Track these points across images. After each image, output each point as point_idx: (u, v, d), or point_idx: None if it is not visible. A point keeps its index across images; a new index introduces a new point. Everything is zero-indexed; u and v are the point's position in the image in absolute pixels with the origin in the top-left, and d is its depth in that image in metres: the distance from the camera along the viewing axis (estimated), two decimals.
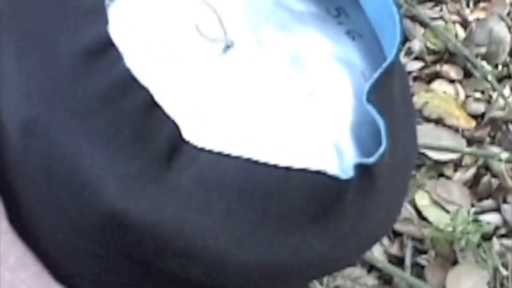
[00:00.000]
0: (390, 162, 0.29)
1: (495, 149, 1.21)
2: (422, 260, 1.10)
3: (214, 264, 0.27)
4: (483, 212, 1.15)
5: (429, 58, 1.34)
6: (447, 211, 1.12)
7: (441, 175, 1.19)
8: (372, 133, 0.30)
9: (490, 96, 1.28)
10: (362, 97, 0.30)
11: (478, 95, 1.29)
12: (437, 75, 1.33)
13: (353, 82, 0.32)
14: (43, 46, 0.27)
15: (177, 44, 0.30)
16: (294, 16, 0.33)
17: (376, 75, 0.30)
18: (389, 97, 0.30)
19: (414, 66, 1.34)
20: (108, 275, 0.28)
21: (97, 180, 0.26)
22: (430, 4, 1.41)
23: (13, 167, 0.28)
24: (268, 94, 0.30)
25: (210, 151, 0.27)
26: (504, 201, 1.16)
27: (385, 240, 1.12)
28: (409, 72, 1.33)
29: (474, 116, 1.27)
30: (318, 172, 0.27)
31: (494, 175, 1.18)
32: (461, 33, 1.37)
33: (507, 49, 1.32)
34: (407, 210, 1.11)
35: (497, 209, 1.16)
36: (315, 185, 0.27)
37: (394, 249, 1.11)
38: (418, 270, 1.10)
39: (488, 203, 1.17)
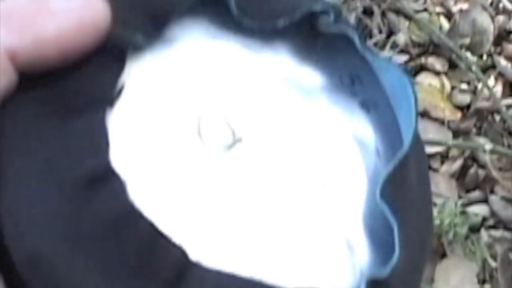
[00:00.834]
0: (403, 259, 0.28)
1: (481, 140, 1.21)
2: None
3: None
4: (470, 203, 1.15)
5: (414, 51, 1.34)
6: (434, 204, 1.12)
7: (428, 167, 1.18)
8: (385, 225, 0.28)
9: (476, 87, 1.28)
10: (376, 180, 0.29)
11: (463, 86, 1.29)
12: (423, 68, 1.32)
13: (367, 163, 0.31)
14: (45, 171, 0.26)
15: (180, 156, 0.29)
16: (304, 92, 0.31)
17: (390, 167, 0.28)
18: (404, 185, 0.29)
19: (399, 59, 1.34)
20: None
21: None
22: None
23: None
24: (278, 194, 0.29)
25: (219, 272, 0.26)
26: (492, 192, 1.16)
27: None
28: None
29: (460, 108, 1.27)
30: None
31: (481, 166, 1.18)
32: (446, 25, 1.36)
33: (491, 39, 1.32)
34: None
35: (485, 200, 1.16)
36: None
37: None
38: None
39: (476, 194, 1.16)
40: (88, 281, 0.25)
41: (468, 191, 1.17)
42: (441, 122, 1.24)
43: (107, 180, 0.26)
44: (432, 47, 1.34)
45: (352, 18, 1.38)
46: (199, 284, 0.26)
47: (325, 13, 0.30)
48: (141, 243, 0.25)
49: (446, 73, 1.31)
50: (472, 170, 1.18)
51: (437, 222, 1.09)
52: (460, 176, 1.19)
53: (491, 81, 1.28)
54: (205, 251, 0.27)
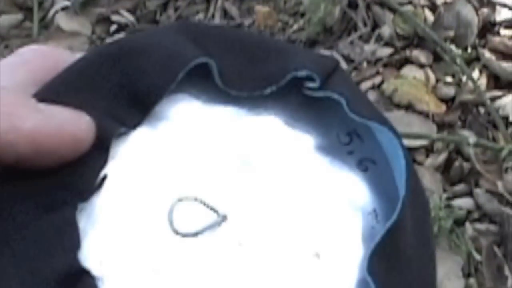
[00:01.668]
0: None
1: (466, 133, 1.21)
2: None
3: None
4: (455, 197, 1.15)
5: (399, 44, 1.34)
6: None
7: (413, 161, 1.18)
8: None
9: (460, 80, 1.28)
10: (372, 243, 0.28)
11: (448, 79, 1.29)
12: (407, 61, 1.32)
13: (363, 227, 0.30)
14: (22, 269, 0.26)
15: (154, 246, 0.28)
16: (297, 155, 0.31)
17: (377, 239, 0.28)
18: (396, 253, 0.28)
19: (384, 52, 1.34)
20: None
21: None
22: None
23: None
24: (268, 268, 0.28)
25: None
26: (476, 185, 1.16)
27: None
28: (379, 59, 1.33)
29: (445, 100, 1.26)
30: None
31: (466, 159, 1.18)
32: (430, 17, 1.36)
33: (475, 31, 1.31)
34: None
35: (470, 194, 1.15)
36: None
37: None
38: None
39: (460, 187, 1.16)
40: None
41: (452, 184, 1.17)
42: (425, 115, 1.23)
43: (80, 278, 0.26)
44: (417, 40, 1.33)
45: (336, 11, 1.38)
46: None
47: (310, 79, 0.30)
48: None
49: (430, 66, 1.31)
50: (456, 164, 1.17)
51: None
52: (444, 169, 1.18)
53: (475, 74, 1.28)
54: None
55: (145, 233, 0.28)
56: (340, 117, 0.31)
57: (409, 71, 1.31)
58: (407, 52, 1.32)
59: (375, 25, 1.38)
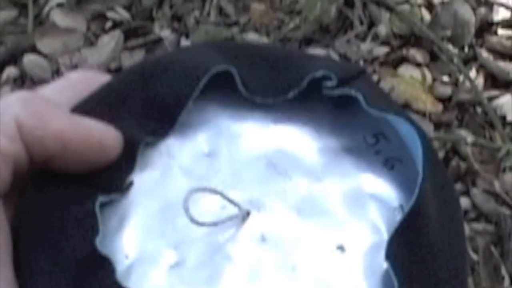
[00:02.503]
0: None
1: (463, 132, 1.21)
2: None
3: None
4: None
5: (396, 43, 1.33)
6: None
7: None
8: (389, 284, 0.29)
9: (457, 79, 1.27)
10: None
11: (445, 78, 1.29)
12: (404, 60, 1.32)
13: (388, 221, 0.31)
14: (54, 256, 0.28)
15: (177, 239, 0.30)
16: (323, 157, 0.32)
17: (393, 232, 0.29)
18: (417, 241, 0.29)
19: (380, 51, 1.33)
20: None
21: None
22: None
23: None
24: (293, 264, 0.29)
25: None
26: (473, 185, 1.16)
27: None
28: (376, 58, 1.33)
29: (441, 100, 1.26)
30: None
31: (463, 159, 1.18)
32: (427, 17, 1.36)
33: (472, 30, 1.31)
34: None
35: (466, 193, 1.15)
36: None
37: None
38: None
39: (457, 187, 1.16)
40: None
41: None
42: (422, 114, 1.23)
43: (101, 265, 0.27)
44: (414, 39, 1.33)
45: (333, 10, 1.37)
46: None
47: (327, 78, 0.32)
48: None
49: (427, 65, 1.31)
50: (453, 163, 1.17)
51: None
52: None
53: (472, 73, 1.28)
54: None
55: (169, 229, 0.30)
56: (366, 120, 0.32)
57: (406, 70, 1.30)
58: (404, 51, 1.32)
59: (372, 24, 1.38)
